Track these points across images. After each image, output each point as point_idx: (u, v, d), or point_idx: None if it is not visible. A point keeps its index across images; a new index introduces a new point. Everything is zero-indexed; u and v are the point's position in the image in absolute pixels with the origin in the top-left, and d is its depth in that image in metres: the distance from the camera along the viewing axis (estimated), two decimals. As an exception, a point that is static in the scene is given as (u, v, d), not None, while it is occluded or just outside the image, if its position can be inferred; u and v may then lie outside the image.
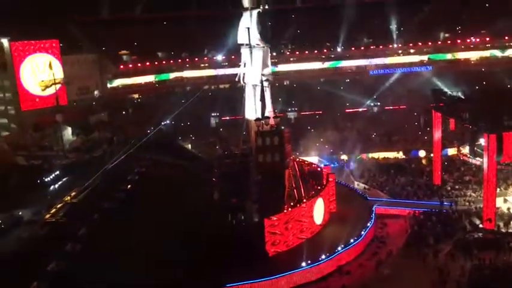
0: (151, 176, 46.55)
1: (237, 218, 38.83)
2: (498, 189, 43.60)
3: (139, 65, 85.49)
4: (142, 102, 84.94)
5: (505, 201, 45.09)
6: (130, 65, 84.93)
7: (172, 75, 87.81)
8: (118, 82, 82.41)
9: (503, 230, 40.10)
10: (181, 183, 42.66)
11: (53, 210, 39.38)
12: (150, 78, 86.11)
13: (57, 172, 47.61)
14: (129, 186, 43.89)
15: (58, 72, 67.14)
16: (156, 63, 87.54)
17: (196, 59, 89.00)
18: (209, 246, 32.55)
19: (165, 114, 63.33)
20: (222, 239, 33.88)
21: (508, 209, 43.66)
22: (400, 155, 63.84)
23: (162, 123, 61.75)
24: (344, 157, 62.86)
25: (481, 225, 40.84)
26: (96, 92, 79.31)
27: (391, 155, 65.89)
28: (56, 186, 45.57)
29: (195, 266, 30.81)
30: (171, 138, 64.89)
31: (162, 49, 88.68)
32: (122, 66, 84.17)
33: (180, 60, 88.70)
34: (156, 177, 46.38)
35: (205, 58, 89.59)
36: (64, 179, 46.37)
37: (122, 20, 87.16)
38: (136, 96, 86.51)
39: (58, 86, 64.55)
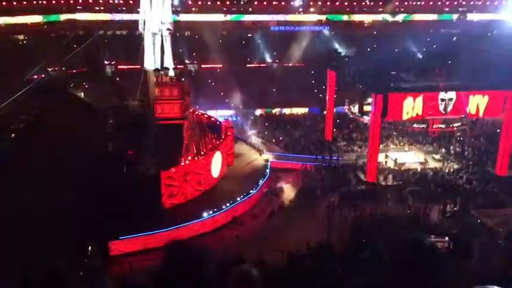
0: (37, 124, 43.40)
1: (132, 170, 38.05)
2: (381, 146, 47.34)
3: (24, 2, 77.26)
4: (28, 44, 77.33)
5: (386, 157, 49.26)
6: (14, 2, 76.39)
7: (63, 17, 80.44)
8: (-1, 20, 74.24)
9: (383, 183, 44.09)
10: (71, 134, 40.27)
11: None
12: (37, 18, 78.30)
13: None
14: (12, 135, 40.74)
15: None
16: (44, 1, 79.74)
17: (91, 0, 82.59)
18: (102, 199, 31.54)
19: (54, 59, 58.49)
20: (116, 191, 32.99)
21: (386, 163, 47.91)
22: (297, 111, 66.21)
23: (51, 69, 57.09)
24: (243, 111, 63.67)
25: (364, 179, 44.43)
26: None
27: (288, 110, 68.38)
28: None
29: (88, 219, 29.76)
30: (62, 85, 60.48)
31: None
32: (3, 3, 75.35)
33: (71, 1, 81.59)
34: (43, 126, 43.33)
35: (100, 0, 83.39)
36: None
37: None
38: (21, 37, 78.49)
39: None
